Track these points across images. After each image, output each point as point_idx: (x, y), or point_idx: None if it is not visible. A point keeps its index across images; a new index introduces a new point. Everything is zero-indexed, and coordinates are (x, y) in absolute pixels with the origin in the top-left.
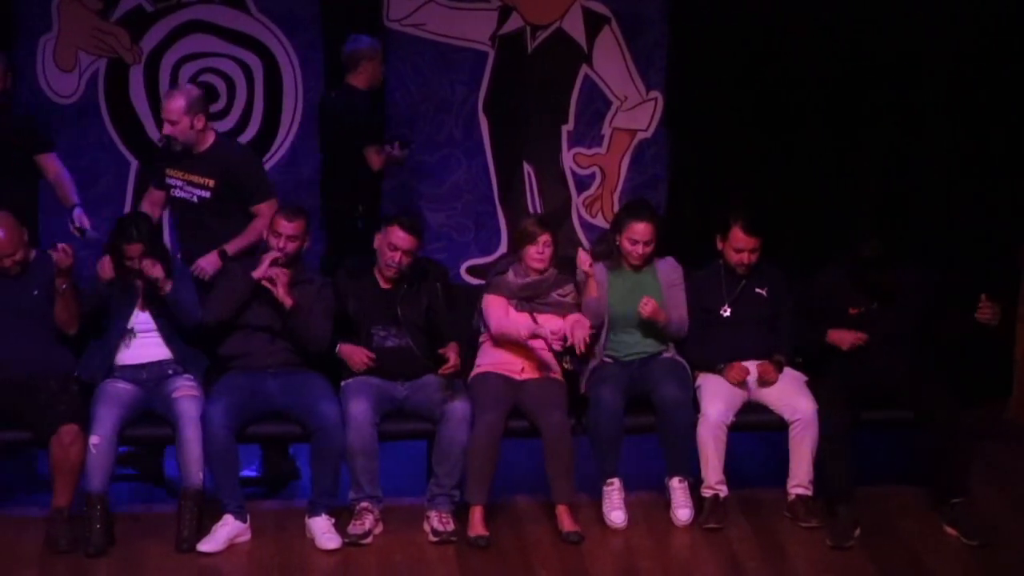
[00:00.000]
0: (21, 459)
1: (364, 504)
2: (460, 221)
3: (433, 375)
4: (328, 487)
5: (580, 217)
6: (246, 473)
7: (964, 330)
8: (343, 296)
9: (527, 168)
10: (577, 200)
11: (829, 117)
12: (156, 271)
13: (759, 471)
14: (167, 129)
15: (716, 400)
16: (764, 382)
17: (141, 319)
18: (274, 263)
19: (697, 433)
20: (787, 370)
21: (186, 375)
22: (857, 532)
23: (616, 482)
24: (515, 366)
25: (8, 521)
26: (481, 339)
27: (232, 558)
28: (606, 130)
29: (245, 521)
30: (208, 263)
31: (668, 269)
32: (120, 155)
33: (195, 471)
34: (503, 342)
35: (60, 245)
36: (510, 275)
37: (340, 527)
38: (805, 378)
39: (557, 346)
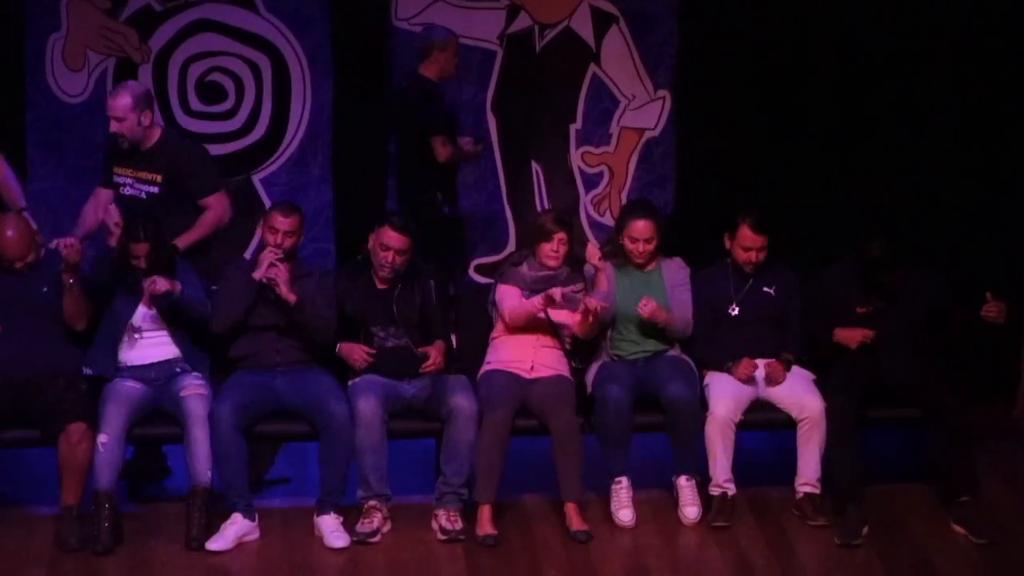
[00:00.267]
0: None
1: (372, 502)
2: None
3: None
4: (336, 485)
5: (588, 216)
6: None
7: (971, 328)
8: (342, 297)
9: (535, 167)
10: (585, 199)
11: (837, 116)
12: (161, 287)
13: (767, 469)
14: (114, 127)
15: (724, 398)
16: (772, 381)
17: (147, 317)
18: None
19: (705, 431)
20: (795, 368)
21: (194, 373)
22: (865, 530)
23: (624, 480)
24: (525, 364)
25: (17, 519)
26: (492, 335)
27: (240, 556)
28: (614, 129)
29: (254, 519)
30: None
31: (674, 269)
32: None
33: (203, 470)
34: (513, 339)
35: (67, 240)
36: (524, 268)
37: (348, 525)
38: (813, 376)
39: (559, 297)
